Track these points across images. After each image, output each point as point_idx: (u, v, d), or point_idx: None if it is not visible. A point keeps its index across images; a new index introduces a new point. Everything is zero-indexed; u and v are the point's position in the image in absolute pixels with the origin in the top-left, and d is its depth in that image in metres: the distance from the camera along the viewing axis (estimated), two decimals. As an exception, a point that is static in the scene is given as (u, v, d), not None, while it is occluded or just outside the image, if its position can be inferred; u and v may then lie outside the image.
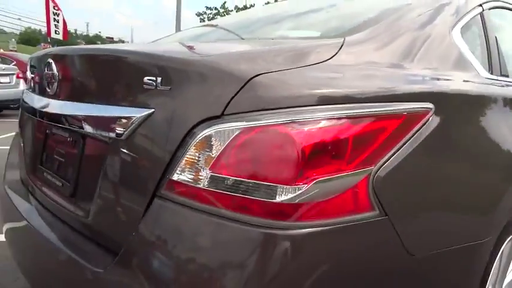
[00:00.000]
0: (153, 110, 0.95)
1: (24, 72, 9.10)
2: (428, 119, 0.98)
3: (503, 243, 1.36)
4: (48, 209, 1.34)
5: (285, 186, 0.80)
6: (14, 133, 1.87)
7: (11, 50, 22.69)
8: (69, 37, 15.97)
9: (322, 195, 0.82)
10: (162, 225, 0.90)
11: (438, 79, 1.16)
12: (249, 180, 0.82)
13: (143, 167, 0.97)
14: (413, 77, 1.10)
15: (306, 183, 0.80)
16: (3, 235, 2.54)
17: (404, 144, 0.92)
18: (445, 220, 1.04)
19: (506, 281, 1.54)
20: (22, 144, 1.65)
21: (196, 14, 22.25)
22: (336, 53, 1.02)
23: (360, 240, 0.87)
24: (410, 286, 0.98)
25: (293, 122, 0.83)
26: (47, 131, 1.41)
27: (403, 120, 0.94)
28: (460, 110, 1.13)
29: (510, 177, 1.24)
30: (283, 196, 0.80)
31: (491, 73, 1.54)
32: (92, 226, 1.11)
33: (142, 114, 0.96)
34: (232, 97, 0.85)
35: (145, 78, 0.95)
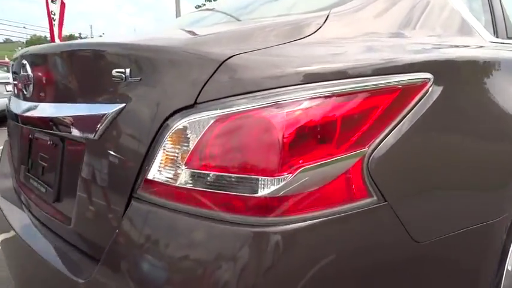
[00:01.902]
0: (124, 104, 0.87)
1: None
2: (428, 90, 0.89)
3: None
4: (36, 217, 1.28)
5: (267, 178, 0.72)
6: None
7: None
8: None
9: (310, 185, 0.73)
10: (140, 231, 0.82)
11: (436, 47, 1.06)
12: (228, 174, 0.74)
13: (118, 167, 0.90)
14: (407, 46, 1.00)
15: (290, 173, 0.72)
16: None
17: (401, 120, 0.83)
18: (453, 201, 0.94)
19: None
20: (11, 152, 1.59)
21: (195, 7, 22.14)
22: (321, 27, 0.93)
23: (358, 231, 0.78)
24: (418, 276, 0.89)
25: (271, 105, 0.74)
26: (30, 136, 1.35)
27: (398, 94, 0.84)
28: (463, 78, 1.03)
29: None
30: (266, 189, 0.72)
31: (497, 36, 1.42)
32: (75, 233, 1.04)
33: (113, 110, 0.88)
34: (205, 83, 0.77)
35: (114, 71, 0.87)
